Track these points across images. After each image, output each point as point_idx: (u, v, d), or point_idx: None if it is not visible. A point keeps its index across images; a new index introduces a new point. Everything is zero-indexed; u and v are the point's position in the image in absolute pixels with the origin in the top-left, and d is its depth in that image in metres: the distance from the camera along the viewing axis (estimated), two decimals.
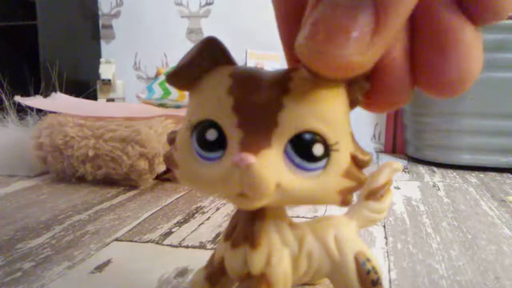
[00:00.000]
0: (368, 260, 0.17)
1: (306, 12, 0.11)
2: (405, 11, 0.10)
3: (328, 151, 0.12)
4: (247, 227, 0.15)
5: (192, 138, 0.13)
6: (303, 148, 0.12)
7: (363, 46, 0.10)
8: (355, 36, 0.10)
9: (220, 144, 0.12)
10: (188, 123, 0.13)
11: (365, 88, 0.13)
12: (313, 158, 0.12)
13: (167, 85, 0.77)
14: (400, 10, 0.10)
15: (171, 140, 0.15)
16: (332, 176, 0.13)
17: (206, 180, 0.13)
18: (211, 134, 0.13)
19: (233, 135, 0.12)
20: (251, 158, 0.11)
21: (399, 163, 0.21)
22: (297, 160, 0.12)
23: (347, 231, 0.18)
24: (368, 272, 0.17)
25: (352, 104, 0.13)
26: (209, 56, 0.13)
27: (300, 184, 0.12)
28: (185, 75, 0.13)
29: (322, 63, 0.10)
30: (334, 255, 0.17)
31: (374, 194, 0.19)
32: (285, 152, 0.12)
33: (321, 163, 0.12)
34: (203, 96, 0.13)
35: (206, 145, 0.13)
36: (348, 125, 0.13)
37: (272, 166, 0.12)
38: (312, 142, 0.12)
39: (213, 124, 0.13)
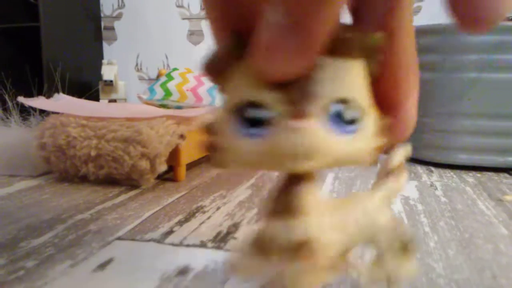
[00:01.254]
0: (400, 223, 0.20)
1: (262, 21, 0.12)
2: (327, 23, 0.11)
3: (360, 115, 0.14)
4: (287, 198, 0.17)
5: (234, 120, 0.14)
6: (340, 114, 0.14)
7: (290, 58, 0.12)
8: (286, 52, 0.11)
9: (265, 120, 0.14)
10: (229, 106, 0.14)
11: (380, 60, 0.15)
12: (349, 122, 0.14)
13: (168, 86, 0.78)
14: (321, 23, 0.11)
15: (209, 129, 0.16)
16: (365, 137, 0.15)
17: (256, 155, 0.14)
18: (256, 112, 0.14)
19: (278, 111, 0.13)
20: (305, 123, 0.13)
21: (408, 148, 0.23)
22: (336, 125, 0.14)
23: (379, 201, 0.20)
24: (405, 232, 0.19)
25: (371, 75, 0.15)
26: (238, 47, 0.14)
27: (341, 146, 0.14)
28: (221, 66, 0.15)
29: (265, 77, 0.13)
30: (376, 220, 0.19)
31: (391, 173, 0.22)
32: (325, 119, 0.14)
33: (356, 126, 0.14)
34: (239, 81, 0.14)
35: (252, 123, 0.14)
36: (370, 94, 0.15)
37: (319, 130, 0.13)
38: (347, 107, 0.14)
39: (256, 104, 0.14)
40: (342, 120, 0.14)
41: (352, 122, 0.14)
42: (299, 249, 0.17)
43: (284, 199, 0.17)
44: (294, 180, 0.17)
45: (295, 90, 0.14)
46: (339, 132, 0.14)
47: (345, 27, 0.13)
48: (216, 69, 0.15)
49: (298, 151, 0.13)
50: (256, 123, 0.14)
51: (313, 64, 0.14)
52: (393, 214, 0.21)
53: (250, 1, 0.14)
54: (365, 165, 0.15)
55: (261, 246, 0.18)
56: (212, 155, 0.16)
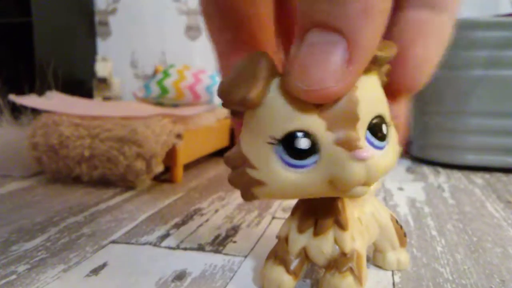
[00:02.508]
0: (396, 219, 0.22)
1: (291, 50, 0.13)
2: (374, 36, 0.12)
3: (387, 127, 0.15)
4: (330, 213, 0.17)
5: (277, 152, 0.14)
6: (377, 131, 0.14)
7: (338, 76, 0.12)
8: (331, 69, 0.12)
9: (313, 150, 0.14)
10: (270, 138, 0.14)
11: (389, 69, 0.15)
12: (383, 137, 0.14)
13: (165, 84, 0.77)
14: (369, 37, 0.11)
15: (239, 162, 0.15)
16: (392, 146, 0.15)
17: (309, 184, 0.14)
18: (304, 143, 0.13)
19: (326, 138, 0.13)
20: (368, 153, 0.13)
21: None
22: (376, 142, 0.14)
23: (376, 201, 0.22)
24: (401, 227, 0.22)
25: (382, 85, 0.15)
26: (272, 70, 0.14)
27: (381, 160, 0.14)
28: (259, 96, 0.14)
29: (310, 96, 0.12)
30: (381, 221, 0.21)
31: None
32: (366, 138, 0.14)
33: (387, 139, 0.15)
34: (278, 109, 0.14)
35: (299, 154, 0.14)
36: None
37: (376, 155, 0.14)
38: (381, 123, 0.14)
39: (301, 133, 0.13)
40: (379, 135, 0.14)
41: (386, 135, 0.14)
42: (349, 258, 0.17)
43: (331, 215, 0.17)
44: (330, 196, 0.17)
45: (340, 114, 0.13)
46: (378, 148, 0.14)
47: None
48: (254, 99, 0.13)
49: (365, 179, 0.13)
50: (304, 152, 0.13)
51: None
52: (390, 212, 0.22)
53: (247, 7, 0.14)
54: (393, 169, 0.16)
55: (283, 258, 0.18)
56: (245, 188, 0.15)
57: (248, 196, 0.15)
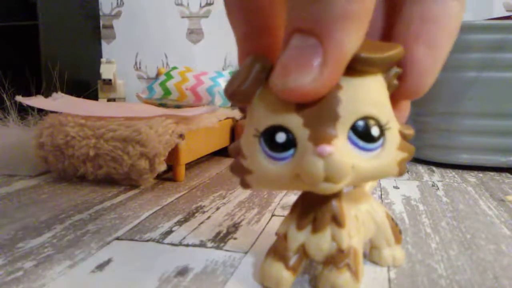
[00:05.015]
0: (392, 217, 0.23)
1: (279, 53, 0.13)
2: (353, 40, 0.12)
3: (383, 130, 0.15)
4: (327, 210, 0.18)
5: (261, 144, 0.15)
6: (363, 132, 0.14)
7: (313, 76, 0.12)
8: (305, 69, 0.12)
9: (289, 144, 0.14)
10: (255, 131, 0.15)
11: (398, 73, 0.15)
12: (372, 139, 0.14)
13: (168, 85, 0.78)
14: (346, 41, 0.12)
15: (236, 152, 0.16)
16: (390, 151, 0.15)
17: (284, 176, 0.15)
18: (281, 137, 0.14)
19: (302, 134, 0.14)
20: (330, 148, 0.13)
21: None
22: (361, 143, 0.14)
23: (372, 199, 0.22)
24: (396, 224, 0.23)
25: (389, 88, 0.15)
26: (263, 71, 0.15)
27: (367, 163, 0.14)
28: (247, 91, 0.15)
29: (286, 95, 0.13)
30: (377, 219, 0.21)
31: None
32: (349, 138, 0.14)
33: (380, 142, 0.15)
34: (264, 105, 0.15)
35: (277, 147, 0.14)
36: (390, 107, 0.15)
37: (344, 151, 0.14)
38: (370, 125, 0.14)
39: (280, 128, 0.14)
40: (367, 136, 0.14)
41: (376, 138, 0.15)
42: (346, 254, 0.18)
43: (328, 212, 0.18)
44: (334, 193, 0.17)
45: (319, 112, 0.14)
46: (364, 149, 0.14)
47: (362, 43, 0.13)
48: (242, 92, 0.15)
49: (325, 176, 0.14)
50: (281, 146, 0.14)
51: (336, 84, 0.14)
52: (385, 210, 0.23)
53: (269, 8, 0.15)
54: (394, 176, 0.16)
55: (282, 254, 0.19)
56: (239, 176, 0.16)
57: (242, 183, 0.17)
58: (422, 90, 0.15)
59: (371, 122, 0.14)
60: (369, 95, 0.14)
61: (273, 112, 0.14)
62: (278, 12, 0.15)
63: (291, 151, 0.14)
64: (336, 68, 0.12)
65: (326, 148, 0.13)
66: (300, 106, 0.14)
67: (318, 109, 0.14)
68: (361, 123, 0.14)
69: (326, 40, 0.12)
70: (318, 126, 0.14)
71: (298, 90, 0.13)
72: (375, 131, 0.14)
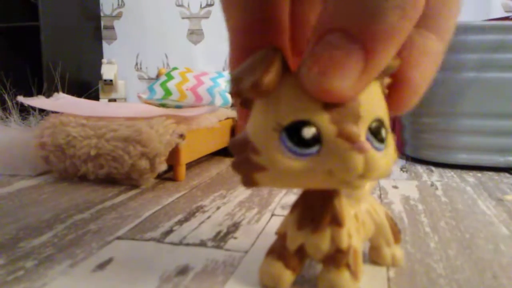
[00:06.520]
0: (391, 217, 0.23)
1: (307, 46, 0.13)
2: (389, 55, 0.12)
3: (386, 132, 0.15)
4: (327, 210, 0.18)
5: (281, 139, 0.14)
6: (376, 133, 0.15)
7: (352, 81, 0.12)
8: (347, 73, 0.12)
9: (314, 140, 0.14)
10: (276, 125, 0.14)
11: (387, 83, 0.15)
12: (382, 140, 0.15)
13: (168, 86, 0.78)
14: (385, 54, 0.12)
15: (242, 148, 0.15)
16: (390, 151, 0.16)
17: (312, 173, 0.14)
18: (308, 132, 0.14)
19: (329, 130, 0.14)
20: (368, 145, 0.14)
21: None
22: (375, 143, 0.15)
23: (372, 199, 0.22)
24: (396, 224, 0.23)
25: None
26: (281, 62, 0.14)
27: (381, 161, 0.15)
28: (270, 83, 0.14)
29: (320, 94, 0.13)
30: (376, 218, 0.22)
31: None
32: (367, 138, 0.15)
33: (385, 143, 0.15)
34: (287, 99, 0.14)
35: (303, 143, 0.14)
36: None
37: (374, 150, 0.14)
38: (380, 127, 0.15)
39: (307, 123, 0.14)
40: (380, 137, 0.15)
41: (384, 139, 0.15)
42: (346, 253, 0.18)
43: (329, 212, 0.18)
44: (328, 193, 0.18)
45: (345, 111, 0.14)
46: (378, 150, 0.15)
47: None
48: (265, 84, 0.14)
49: (362, 170, 0.14)
50: (307, 142, 0.14)
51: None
52: (385, 210, 0.23)
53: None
54: (387, 177, 0.16)
55: (282, 254, 0.19)
56: (247, 174, 0.15)
57: (249, 181, 0.15)
58: (408, 107, 0.16)
59: (381, 124, 0.15)
60: (377, 99, 0.15)
61: (299, 107, 0.14)
62: (283, 5, 0.15)
63: (316, 147, 0.14)
64: (372, 77, 0.13)
65: (365, 145, 0.14)
66: (327, 103, 0.14)
67: (344, 108, 0.14)
68: (374, 124, 0.15)
69: (371, 49, 0.12)
70: (344, 124, 0.14)
71: (334, 92, 0.13)
72: (384, 133, 0.15)
